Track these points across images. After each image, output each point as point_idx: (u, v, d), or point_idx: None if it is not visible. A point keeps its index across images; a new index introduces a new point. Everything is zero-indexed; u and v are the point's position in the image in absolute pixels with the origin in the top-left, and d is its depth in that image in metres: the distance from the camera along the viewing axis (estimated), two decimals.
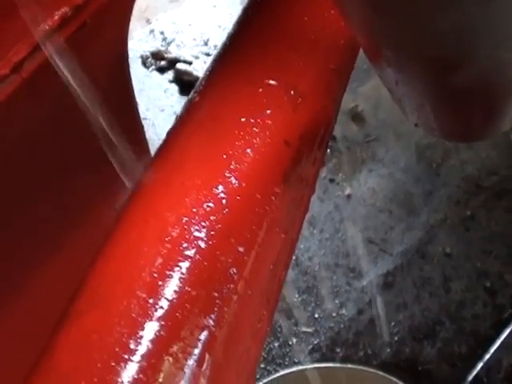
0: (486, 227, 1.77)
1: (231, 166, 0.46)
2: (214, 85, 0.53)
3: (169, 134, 0.51)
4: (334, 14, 0.58)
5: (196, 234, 0.43)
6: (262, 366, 1.58)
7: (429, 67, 0.37)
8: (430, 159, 1.90)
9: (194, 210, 0.44)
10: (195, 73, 2.13)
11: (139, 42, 2.24)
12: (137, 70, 2.13)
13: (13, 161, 0.59)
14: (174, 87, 2.16)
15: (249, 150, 0.48)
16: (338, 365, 1.52)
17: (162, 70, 2.20)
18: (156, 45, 2.26)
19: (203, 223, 0.44)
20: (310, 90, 0.53)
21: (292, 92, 0.52)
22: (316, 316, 1.68)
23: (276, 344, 1.63)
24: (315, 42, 0.56)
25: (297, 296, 1.69)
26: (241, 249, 0.44)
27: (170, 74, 2.18)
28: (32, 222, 0.68)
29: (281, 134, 0.50)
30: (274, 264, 0.47)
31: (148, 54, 2.22)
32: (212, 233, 0.43)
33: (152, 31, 2.29)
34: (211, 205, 0.44)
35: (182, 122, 0.51)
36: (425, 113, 0.46)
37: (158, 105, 2.10)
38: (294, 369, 1.49)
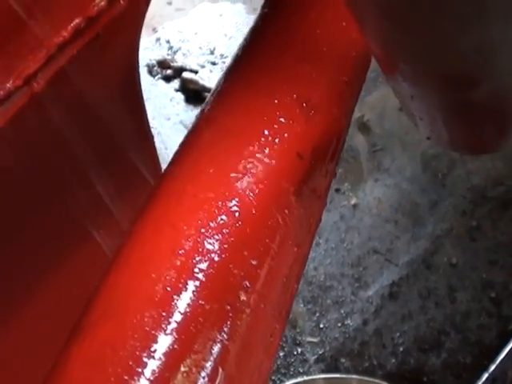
0: (491, 237, 1.77)
1: (244, 179, 0.46)
2: (226, 97, 0.53)
3: (181, 145, 0.51)
4: (346, 26, 0.58)
5: (209, 247, 0.43)
6: None
7: (447, 83, 0.37)
8: (436, 169, 1.90)
9: (207, 222, 0.44)
10: (201, 82, 2.13)
11: (145, 51, 2.24)
12: (143, 79, 2.12)
13: (20, 172, 0.59)
14: (180, 96, 2.15)
15: (262, 163, 0.48)
16: (343, 375, 1.52)
17: (167, 79, 2.20)
18: (162, 53, 2.26)
19: (216, 236, 0.43)
20: (322, 103, 0.53)
21: (304, 104, 0.52)
22: (321, 326, 1.67)
23: (281, 354, 1.63)
24: (328, 54, 0.56)
25: (302, 306, 1.69)
26: (254, 262, 0.44)
27: (175, 83, 2.18)
28: (39, 232, 0.68)
29: (294, 146, 0.50)
30: (286, 277, 0.47)
31: (154, 62, 2.22)
32: (225, 246, 0.43)
33: (158, 40, 2.30)
34: (224, 218, 0.44)
35: (195, 133, 0.51)
36: (438, 126, 0.46)
37: (163, 113, 2.10)
38: (299, 379, 1.49)
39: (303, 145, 0.50)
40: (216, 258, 0.43)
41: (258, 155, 0.48)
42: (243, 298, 0.43)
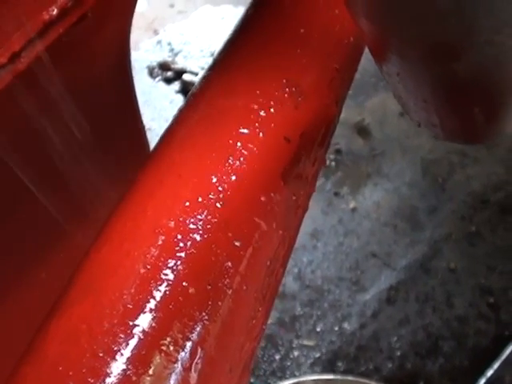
0: (490, 243, 1.76)
1: (229, 161, 0.46)
2: (216, 79, 0.53)
3: (169, 125, 0.50)
4: (338, 14, 0.58)
5: (191, 226, 0.42)
6: (263, 378, 1.57)
7: (430, 54, 0.36)
8: (436, 174, 1.90)
9: (191, 202, 0.43)
10: None
11: (146, 53, 2.24)
12: (143, 81, 2.13)
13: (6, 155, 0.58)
14: (180, 98, 2.16)
15: (248, 145, 0.47)
16: (338, 377, 1.51)
17: (168, 81, 2.20)
18: (163, 55, 2.26)
19: (199, 216, 0.43)
20: (312, 88, 0.53)
21: (294, 89, 0.51)
22: (318, 330, 1.66)
23: (277, 357, 1.62)
24: (319, 40, 0.56)
25: (299, 309, 1.68)
26: (237, 243, 0.43)
27: (176, 85, 2.19)
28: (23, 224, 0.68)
29: (281, 130, 0.49)
30: (271, 260, 0.47)
31: (155, 64, 2.23)
32: (208, 226, 0.43)
33: (159, 42, 2.30)
34: (208, 198, 0.44)
35: (183, 115, 0.51)
36: (426, 108, 0.46)
37: (163, 115, 2.10)
38: (295, 380, 1.48)
39: (291, 129, 0.50)
40: (198, 238, 0.42)
41: (243, 137, 0.47)
42: (225, 279, 0.42)
